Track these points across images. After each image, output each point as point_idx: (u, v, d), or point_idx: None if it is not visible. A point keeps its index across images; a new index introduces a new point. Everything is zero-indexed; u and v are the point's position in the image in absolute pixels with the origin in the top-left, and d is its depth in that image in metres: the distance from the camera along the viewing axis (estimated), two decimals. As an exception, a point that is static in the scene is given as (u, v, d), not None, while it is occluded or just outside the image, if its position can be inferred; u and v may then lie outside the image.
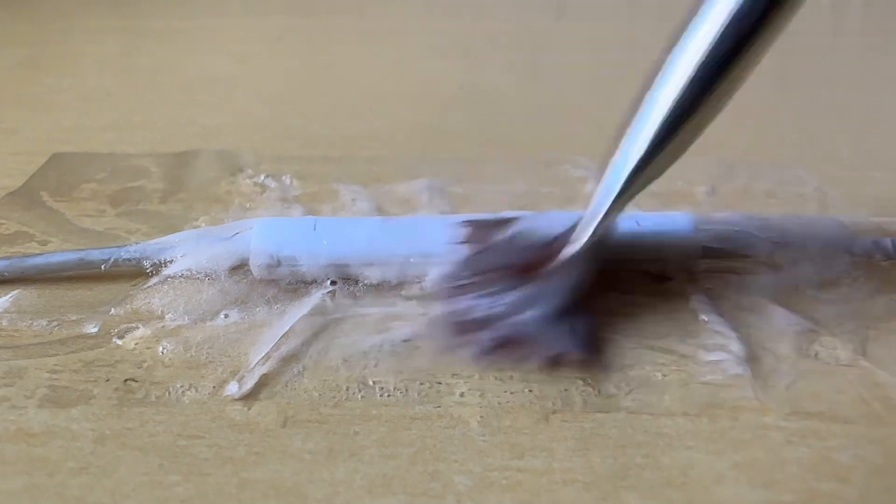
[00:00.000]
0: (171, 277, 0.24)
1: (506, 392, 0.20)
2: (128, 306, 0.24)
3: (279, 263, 0.24)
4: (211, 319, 0.23)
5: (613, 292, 0.25)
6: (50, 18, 0.75)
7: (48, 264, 0.25)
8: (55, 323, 0.23)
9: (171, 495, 0.17)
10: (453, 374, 0.21)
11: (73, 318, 0.23)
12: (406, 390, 0.20)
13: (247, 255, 0.24)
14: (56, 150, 0.37)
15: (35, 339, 0.22)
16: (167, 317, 0.23)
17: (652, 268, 0.25)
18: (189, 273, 0.24)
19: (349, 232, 0.25)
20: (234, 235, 0.25)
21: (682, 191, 0.33)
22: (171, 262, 0.25)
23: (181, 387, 0.20)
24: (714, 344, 0.22)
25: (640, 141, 0.21)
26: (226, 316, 0.23)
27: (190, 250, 0.25)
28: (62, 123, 0.43)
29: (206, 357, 0.22)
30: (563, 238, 0.23)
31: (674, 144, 0.21)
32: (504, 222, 0.24)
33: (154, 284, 0.24)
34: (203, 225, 0.29)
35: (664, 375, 0.21)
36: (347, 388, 0.20)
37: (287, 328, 0.22)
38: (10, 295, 0.24)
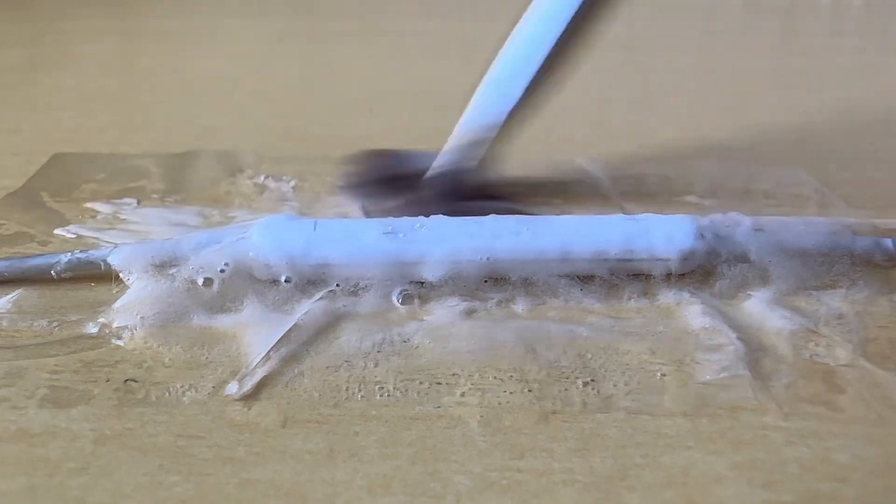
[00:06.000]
0: (172, 278, 0.24)
1: (506, 392, 0.20)
2: (126, 306, 0.24)
3: (280, 264, 0.24)
4: (211, 320, 0.23)
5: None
6: (50, 19, 0.75)
7: (48, 264, 0.25)
8: (55, 323, 0.23)
9: (171, 495, 0.17)
10: (453, 374, 0.21)
11: (74, 318, 0.23)
12: (406, 390, 0.20)
13: (247, 255, 0.24)
14: (56, 150, 0.37)
15: (35, 340, 0.22)
16: (167, 317, 0.23)
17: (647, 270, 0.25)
18: (190, 273, 0.24)
19: (349, 233, 0.25)
20: (234, 236, 0.25)
21: (682, 191, 0.33)
22: (171, 262, 0.24)
23: (181, 387, 0.20)
24: (714, 344, 0.22)
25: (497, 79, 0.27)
26: (225, 316, 0.23)
27: (191, 251, 0.25)
28: (62, 123, 0.43)
29: (206, 357, 0.22)
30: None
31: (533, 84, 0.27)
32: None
33: (154, 285, 0.24)
34: (204, 226, 0.29)
35: (664, 375, 0.21)
36: (347, 388, 0.20)
37: (287, 328, 0.22)
38: (10, 295, 0.24)
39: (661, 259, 0.25)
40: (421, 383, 0.21)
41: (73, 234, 0.29)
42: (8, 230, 0.29)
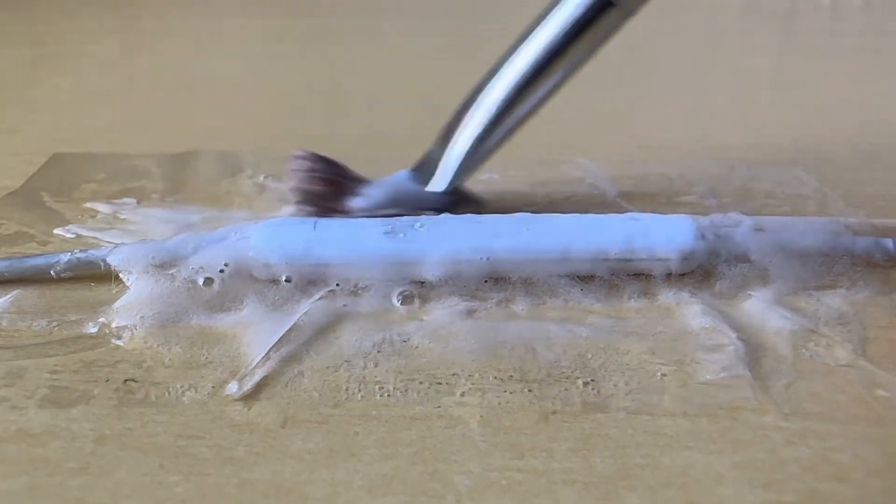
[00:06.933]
0: (172, 278, 0.24)
1: (506, 392, 0.20)
2: (126, 306, 0.24)
3: (279, 264, 0.24)
4: (211, 319, 0.23)
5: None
6: (50, 19, 0.75)
7: (48, 264, 0.25)
8: (55, 323, 0.23)
9: (171, 495, 0.17)
10: (453, 374, 0.21)
11: (73, 318, 0.23)
12: (406, 390, 0.20)
13: (247, 255, 0.24)
14: (56, 150, 0.37)
15: (35, 340, 0.22)
16: (167, 317, 0.23)
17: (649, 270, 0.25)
18: (190, 273, 0.24)
19: (349, 233, 0.25)
20: (234, 236, 0.25)
21: (682, 191, 0.33)
22: (171, 262, 0.24)
23: (181, 387, 0.20)
24: (714, 344, 0.22)
25: (492, 100, 0.28)
26: (225, 316, 0.23)
27: (191, 251, 0.25)
28: (62, 123, 0.43)
29: (206, 357, 0.22)
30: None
31: (521, 106, 0.28)
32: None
33: (153, 284, 0.24)
34: (204, 226, 0.29)
35: (664, 375, 0.21)
36: (347, 388, 0.20)
37: (287, 328, 0.22)
38: (10, 295, 0.24)
39: (662, 259, 0.25)
40: (421, 383, 0.21)
41: (73, 234, 0.29)
42: (8, 230, 0.29)
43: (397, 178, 0.29)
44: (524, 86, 0.27)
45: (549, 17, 0.27)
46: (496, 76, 0.28)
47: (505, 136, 0.29)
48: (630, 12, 0.27)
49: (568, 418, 0.19)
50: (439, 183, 0.29)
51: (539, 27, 0.28)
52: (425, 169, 0.29)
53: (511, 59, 0.28)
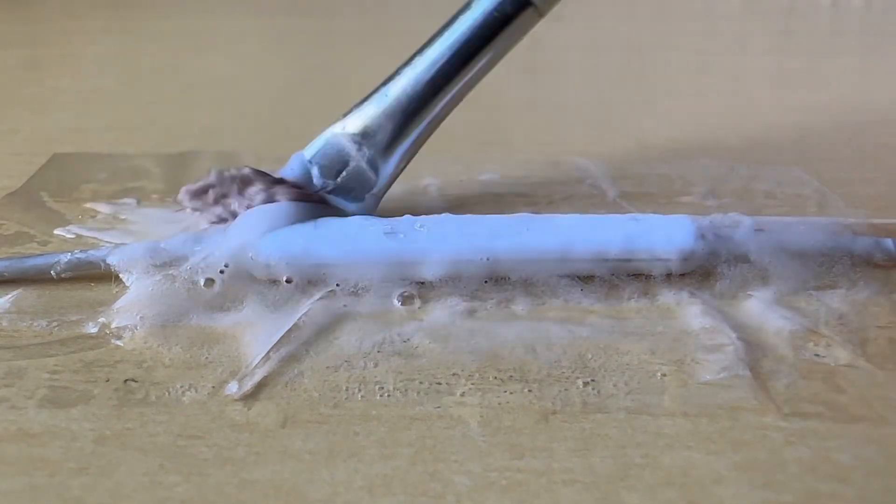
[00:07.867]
0: (171, 277, 0.24)
1: (506, 392, 0.20)
2: (126, 306, 0.24)
3: (279, 264, 0.24)
4: (211, 319, 0.23)
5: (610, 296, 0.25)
6: (50, 19, 0.75)
7: (48, 264, 0.25)
8: (55, 323, 0.23)
9: (171, 495, 0.17)
10: (453, 374, 0.21)
11: (73, 318, 0.23)
12: (406, 390, 0.20)
13: (247, 256, 0.24)
14: (56, 150, 0.37)
15: (35, 340, 0.22)
16: (167, 317, 0.23)
17: (648, 269, 0.25)
18: (190, 273, 0.24)
19: (349, 233, 0.25)
20: (234, 236, 0.25)
21: (682, 191, 0.33)
22: (171, 262, 0.24)
23: (181, 387, 0.20)
24: (714, 344, 0.22)
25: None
26: (225, 316, 0.23)
27: (190, 251, 0.25)
28: (62, 123, 0.43)
29: (206, 357, 0.22)
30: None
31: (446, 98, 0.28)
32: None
33: (153, 284, 0.24)
34: (203, 226, 0.29)
35: (664, 375, 0.21)
36: (347, 388, 0.20)
37: (287, 328, 0.22)
38: (10, 295, 0.24)
39: (662, 259, 0.25)
40: (421, 383, 0.21)
41: (73, 234, 0.29)
42: (8, 230, 0.29)
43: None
44: (438, 85, 0.28)
45: (464, 14, 0.27)
46: (404, 75, 0.29)
47: (418, 140, 0.29)
48: (543, 13, 0.27)
49: (568, 418, 0.19)
50: (370, 197, 0.28)
51: (454, 24, 0.28)
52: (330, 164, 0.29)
53: (423, 55, 0.28)
